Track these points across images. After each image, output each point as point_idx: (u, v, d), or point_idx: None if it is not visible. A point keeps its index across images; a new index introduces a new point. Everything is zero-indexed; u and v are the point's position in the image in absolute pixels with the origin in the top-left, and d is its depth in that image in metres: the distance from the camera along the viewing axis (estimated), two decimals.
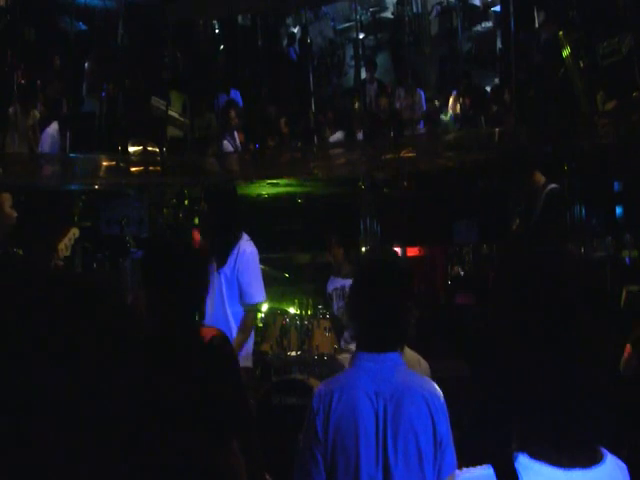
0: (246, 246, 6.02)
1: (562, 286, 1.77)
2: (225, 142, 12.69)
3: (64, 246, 6.13)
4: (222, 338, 3.48)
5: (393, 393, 2.98)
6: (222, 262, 5.95)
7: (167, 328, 3.31)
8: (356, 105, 13.92)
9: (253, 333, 6.28)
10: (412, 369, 4.32)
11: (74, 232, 6.33)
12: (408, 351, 4.73)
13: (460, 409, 4.27)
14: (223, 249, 5.98)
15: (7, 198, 6.12)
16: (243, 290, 5.97)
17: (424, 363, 4.83)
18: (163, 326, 3.30)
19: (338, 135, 12.79)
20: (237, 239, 6.00)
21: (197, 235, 7.12)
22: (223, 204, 6.21)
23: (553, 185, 6.50)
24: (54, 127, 11.66)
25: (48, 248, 6.17)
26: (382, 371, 3.02)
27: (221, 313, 5.91)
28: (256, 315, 6.79)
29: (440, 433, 2.97)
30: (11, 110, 11.51)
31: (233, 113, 12.63)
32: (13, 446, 1.29)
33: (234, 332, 5.88)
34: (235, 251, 5.97)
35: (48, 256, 6.23)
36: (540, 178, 6.63)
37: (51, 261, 6.08)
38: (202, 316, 3.53)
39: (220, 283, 5.94)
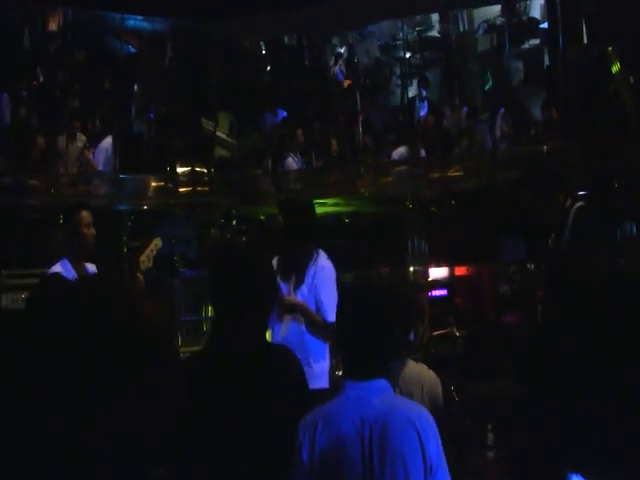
0: (324, 262, 5.78)
1: (612, 302, 1.75)
2: (290, 160, 12.76)
3: (146, 258, 5.99)
4: (290, 357, 3.42)
5: (378, 418, 2.87)
6: (300, 279, 5.73)
7: (236, 346, 3.23)
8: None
9: (328, 353, 5.95)
10: (411, 384, 4.35)
11: (156, 243, 6.13)
12: (412, 365, 4.70)
13: (509, 428, 4.23)
14: (301, 266, 5.75)
15: (85, 217, 5.98)
16: (319, 307, 5.69)
17: (432, 375, 4.81)
18: (232, 344, 3.23)
19: (401, 150, 12.73)
20: (315, 255, 5.77)
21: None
22: (300, 218, 5.93)
23: (580, 203, 6.42)
24: (108, 141, 11.86)
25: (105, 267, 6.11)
26: (367, 398, 2.93)
27: (296, 333, 5.72)
28: (331, 333, 6.13)
29: (429, 456, 2.82)
30: (59, 140, 11.72)
31: (300, 131, 12.71)
32: None
33: (310, 353, 5.66)
34: (313, 267, 5.73)
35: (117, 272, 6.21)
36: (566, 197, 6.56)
37: (133, 274, 5.99)
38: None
39: None
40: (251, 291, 3.26)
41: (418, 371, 4.76)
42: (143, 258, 6.00)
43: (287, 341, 5.64)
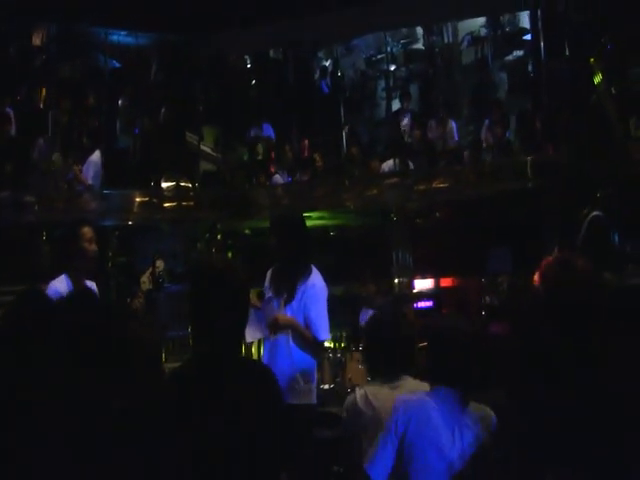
0: (316, 280, 5.71)
1: (596, 312, 1.75)
2: (277, 176, 12.82)
3: (147, 279, 6.01)
4: (265, 371, 3.41)
5: None
6: (291, 295, 5.68)
7: (211, 362, 3.24)
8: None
9: (315, 370, 5.89)
10: None
11: (158, 265, 6.15)
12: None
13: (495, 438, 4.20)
14: (293, 282, 5.68)
15: (86, 232, 5.91)
16: (308, 325, 5.64)
17: None
18: (207, 360, 3.24)
19: (389, 163, 12.76)
20: (307, 272, 5.70)
21: None
22: (293, 234, 5.84)
23: (596, 212, 6.40)
24: (97, 155, 11.83)
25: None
26: None
27: (285, 349, 5.68)
28: (320, 351, 6.44)
29: None
30: (54, 157, 11.71)
31: (287, 147, 12.77)
32: None
33: (298, 370, 5.63)
34: (304, 284, 5.66)
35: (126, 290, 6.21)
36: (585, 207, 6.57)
37: (134, 295, 5.98)
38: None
39: None
40: (223, 307, 3.24)
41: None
42: (144, 279, 6.01)
43: (276, 357, 5.67)
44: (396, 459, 3.75)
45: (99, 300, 5.93)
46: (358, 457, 4.24)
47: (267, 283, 5.89)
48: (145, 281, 6.01)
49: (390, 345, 4.47)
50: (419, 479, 3.72)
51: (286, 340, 5.69)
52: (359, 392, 4.51)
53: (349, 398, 4.57)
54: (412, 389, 4.28)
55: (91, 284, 5.97)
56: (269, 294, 5.84)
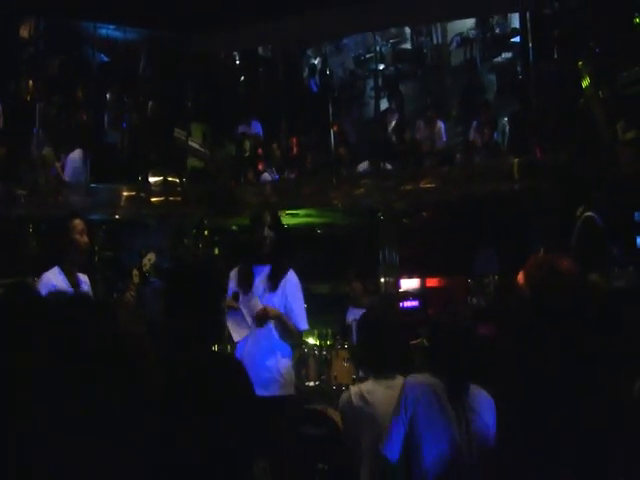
0: (293, 276, 5.96)
1: (581, 315, 1.76)
2: (266, 175, 12.82)
3: (137, 272, 5.98)
4: (236, 363, 3.45)
5: None
6: (274, 287, 5.86)
7: (185, 356, 3.27)
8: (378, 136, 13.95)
9: (291, 361, 6.10)
10: None
11: (149, 258, 6.13)
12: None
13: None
14: (277, 276, 5.88)
15: (77, 224, 5.91)
16: (290, 316, 5.86)
17: None
18: (181, 355, 3.27)
19: (364, 165, 12.78)
20: (287, 266, 5.98)
21: None
22: (285, 230, 6.19)
23: (589, 213, 6.41)
24: (77, 153, 11.76)
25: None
26: None
27: (267, 340, 5.82)
28: (299, 341, 6.85)
29: None
30: (45, 152, 11.65)
31: (275, 146, 12.77)
32: None
33: (280, 361, 5.82)
34: (284, 278, 5.89)
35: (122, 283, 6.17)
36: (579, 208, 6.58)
37: (125, 289, 5.97)
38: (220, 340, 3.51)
39: None
40: (196, 302, 3.33)
41: None
42: (135, 272, 5.98)
43: (260, 351, 5.74)
44: (405, 438, 3.98)
45: (91, 294, 5.97)
46: (352, 455, 4.32)
47: (236, 281, 5.96)
48: (137, 274, 5.96)
49: (384, 343, 4.52)
50: (428, 456, 3.93)
51: (268, 333, 5.81)
52: (353, 390, 4.55)
53: (343, 396, 4.62)
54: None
55: (83, 277, 5.98)
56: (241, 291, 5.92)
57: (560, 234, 7.06)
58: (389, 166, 12.63)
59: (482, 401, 4.06)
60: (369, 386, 4.49)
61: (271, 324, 5.81)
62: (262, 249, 5.91)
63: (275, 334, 5.83)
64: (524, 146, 11.57)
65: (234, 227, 12.41)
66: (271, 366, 5.75)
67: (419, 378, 4.13)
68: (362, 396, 4.43)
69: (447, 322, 4.34)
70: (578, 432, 2.41)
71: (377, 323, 4.66)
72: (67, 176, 11.76)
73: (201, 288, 3.41)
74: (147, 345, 1.75)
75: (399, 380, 4.38)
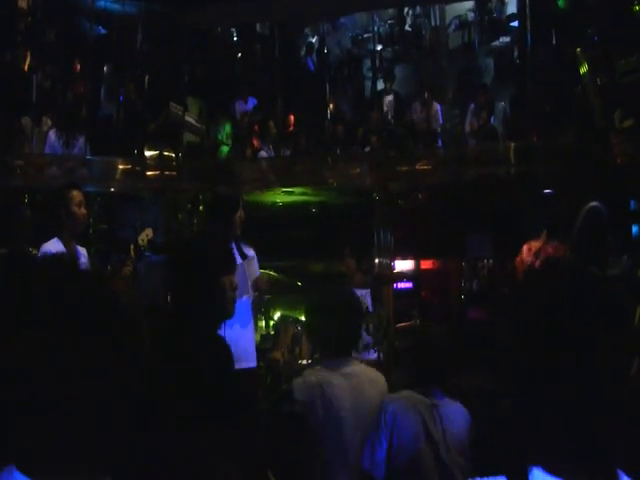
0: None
1: (578, 302, 1.77)
2: (262, 152, 12.81)
3: (133, 247, 6.03)
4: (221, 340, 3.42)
5: None
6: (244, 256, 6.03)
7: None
8: (373, 116, 13.92)
9: (253, 331, 6.24)
10: None
11: (147, 233, 6.17)
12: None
13: (477, 421, 4.30)
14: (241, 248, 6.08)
15: (75, 196, 5.97)
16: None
17: None
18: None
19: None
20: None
21: None
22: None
23: (594, 203, 6.40)
24: (52, 132, 11.57)
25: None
26: None
27: (246, 311, 5.91)
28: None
29: None
30: (23, 121, 11.52)
31: (272, 123, 12.75)
32: None
33: (252, 331, 6.08)
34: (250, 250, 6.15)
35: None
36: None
37: (123, 263, 6.04)
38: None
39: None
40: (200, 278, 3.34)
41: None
42: (132, 246, 6.03)
43: (241, 320, 5.77)
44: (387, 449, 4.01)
45: (89, 266, 6.00)
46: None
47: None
48: (132, 248, 6.01)
49: (340, 327, 4.32)
50: (409, 465, 4.01)
51: (247, 303, 5.92)
52: (309, 379, 4.25)
53: (300, 385, 4.25)
54: (360, 373, 4.28)
55: (82, 250, 6.01)
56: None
57: (559, 220, 7.07)
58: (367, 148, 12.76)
59: (456, 412, 4.25)
60: (326, 376, 4.21)
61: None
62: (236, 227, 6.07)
63: (250, 305, 6.00)
64: (521, 130, 11.59)
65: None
66: (250, 337, 5.96)
67: (395, 396, 4.22)
68: (322, 389, 4.16)
69: (430, 335, 4.53)
70: (576, 418, 2.43)
71: (337, 306, 4.39)
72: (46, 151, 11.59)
73: (207, 264, 3.41)
74: (141, 319, 1.76)
75: (355, 367, 4.30)
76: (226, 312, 3.53)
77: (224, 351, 3.28)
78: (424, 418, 4.06)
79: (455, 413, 4.23)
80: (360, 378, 4.23)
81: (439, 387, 4.26)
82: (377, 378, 4.38)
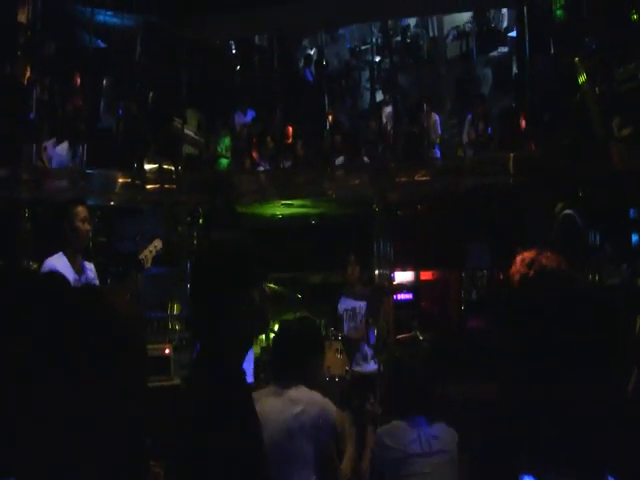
0: None
1: (572, 310, 1.78)
2: (260, 168, 12.84)
3: (144, 257, 5.99)
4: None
5: None
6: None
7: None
8: (372, 127, 13.92)
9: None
10: None
11: (156, 244, 6.14)
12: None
13: (472, 430, 4.30)
14: None
15: (80, 211, 6.01)
16: None
17: None
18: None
19: (340, 159, 12.79)
20: None
21: None
22: None
23: (568, 211, 6.46)
24: (64, 147, 11.64)
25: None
26: None
27: None
28: None
29: None
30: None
31: (269, 138, 12.77)
32: None
33: None
34: None
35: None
36: (558, 204, 6.62)
37: (134, 273, 6.01)
38: None
39: None
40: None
41: None
42: (142, 257, 5.99)
43: None
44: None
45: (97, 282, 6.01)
46: None
47: None
48: (142, 259, 5.97)
49: (286, 349, 4.23)
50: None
51: None
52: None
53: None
54: (295, 397, 3.96)
55: (89, 265, 6.03)
56: None
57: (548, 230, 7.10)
58: (366, 159, 12.70)
59: (446, 433, 4.49)
60: (263, 395, 4.00)
61: None
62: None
63: None
64: (519, 141, 11.59)
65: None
66: (250, 353, 5.80)
67: (386, 426, 4.56)
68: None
69: (405, 370, 4.77)
70: (574, 426, 2.43)
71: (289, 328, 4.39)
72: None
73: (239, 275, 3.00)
74: (140, 333, 1.76)
75: (294, 390, 3.99)
76: (258, 328, 3.18)
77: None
78: (413, 445, 4.37)
79: (440, 434, 4.47)
80: (289, 397, 3.97)
81: (423, 414, 4.50)
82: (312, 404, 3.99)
